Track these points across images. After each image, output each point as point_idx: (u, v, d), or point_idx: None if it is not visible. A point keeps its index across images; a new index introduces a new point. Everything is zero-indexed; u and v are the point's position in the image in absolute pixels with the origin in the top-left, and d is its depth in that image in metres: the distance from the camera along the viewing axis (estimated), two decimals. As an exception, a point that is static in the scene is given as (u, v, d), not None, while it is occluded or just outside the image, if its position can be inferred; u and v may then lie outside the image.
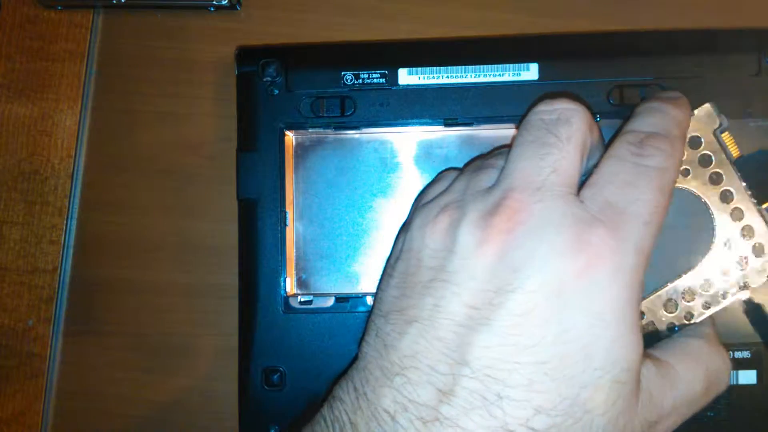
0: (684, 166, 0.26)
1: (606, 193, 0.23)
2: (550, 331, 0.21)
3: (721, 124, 0.26)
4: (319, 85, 0.34)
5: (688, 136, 0.26)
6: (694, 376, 0.24)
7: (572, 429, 0.21)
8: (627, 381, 0.21)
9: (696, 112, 0.27)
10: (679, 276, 0.26)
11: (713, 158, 0.26)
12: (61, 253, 0.39)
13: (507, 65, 0.33)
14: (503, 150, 0.27)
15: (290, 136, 0.35)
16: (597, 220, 0.22)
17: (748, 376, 0.31)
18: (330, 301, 0.34)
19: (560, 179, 0.23)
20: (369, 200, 0.35)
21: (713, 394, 0.24)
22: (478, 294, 0.22)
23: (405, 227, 0.27)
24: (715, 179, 0.26)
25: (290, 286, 0.34)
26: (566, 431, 0.21)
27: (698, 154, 0.26)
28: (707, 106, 0.27)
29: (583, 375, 0.21)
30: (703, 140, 0.26)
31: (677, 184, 0.26)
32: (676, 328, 0.26)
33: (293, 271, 0.35)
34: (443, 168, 0.35)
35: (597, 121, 0.27)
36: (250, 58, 0.35)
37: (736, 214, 0.26)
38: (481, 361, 0.21)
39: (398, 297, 0.24)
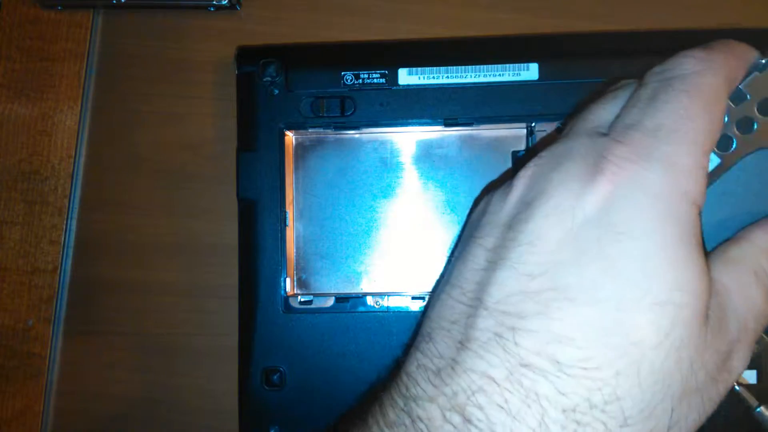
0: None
1: (627, 119, 0.21)
2: (565, 254, 0.19)
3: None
4: (319, 85, 0.34)
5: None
6: (746, 283, 0.21)
7: (614, 364, 0.18)
8: (684, 304, 0.19)
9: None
10: None
11: None
12: (61, 253, 0.39)
13: (507, 65, 0.33)
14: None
15: (290, 136, 0.35)
16: (615, 142, 0.20)
17: (748, 376, 0.31)
18: (330, 301, 0.34)
19: (587, 124, 0.22)
20: (369, 200, 0.35)
21: None
22: (498, 237, 0.21)
23: None
24: None
25: (290, 286, 0.34)
26: (605, 366, 0.18)
27: None
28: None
29: (616, 297, 0.18)
30: None
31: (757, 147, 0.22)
32: None
33: (293, 271, 0.35)
34: (443, 168, 0.35)
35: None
36: (250, 58, 0.35)
37: None
38: (495, 297, 0.20)
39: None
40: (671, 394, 0.19)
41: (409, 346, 0.23)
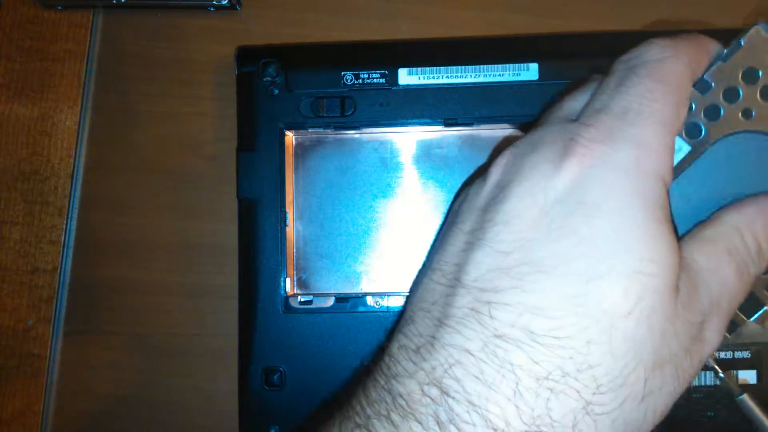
0: (744, 107, 0.23)
1: (596, 104, 0.22)
2: (538, 231, 0.20)
3: None
4: (319, 85, 0.34)
5: (741, 68, 0.23)
6: (719, 261, 0.21)
7: (585, 333, 0.19)
8: (653, 273, 0.19)
9: (744, 39, 0.23)
10: None
11: None
12: (61, 253, 0.39)
13: (507, 65, 0.33)
14: None
15: (290, 136, 0.35)
16: (585, 125, 0.21)
17: (748, 376, 0.31)
18: (330, 301, 0.34)
19: (560, 112, 0.23)
20: (369, 200, 0.35)
21: (746, 273, 0.22)
22: (476, 220, 0.22)
23: None
24: None
25: (290, 286, 0.34)
26: (577, 335, 0.19)
27: (758, 89, 0.23)
28: (757, 27, 0.23)
29: (587, 269, 0.19)
30: (761, 71, 0.23)
31: (741, 128, 0.23)
32: None
33: (293, 271, 0.35)
34: (443, 168, 0.35)
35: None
36: (250, 58, 0.35)
37: None
38: (472, 276, 0.21)
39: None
40: (644, 362, 0.19)
41: (392, 332, 0.23)
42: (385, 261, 0.35)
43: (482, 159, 0.35)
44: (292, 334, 0.33)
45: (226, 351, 0.37)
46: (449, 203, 0.35)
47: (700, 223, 0.23)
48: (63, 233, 0.39)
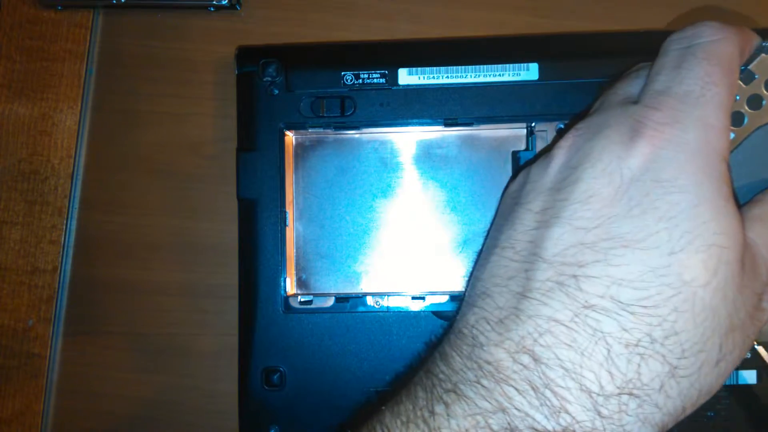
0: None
1: (656, 86, 0.23)
2: (618, 208, 0.21)
3: None
4: (319, 85, 0.34)
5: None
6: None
7: (671, 302, 0.20)
8: (727, 245, 0.21)
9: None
10: None
11: None
12: (61, 253, 0.39)
13: (507, 65, 0.33)
14: None
15: (290, 136, 0.35)
16: (650, 108, 0.22)
17: (748, 376, 0.31)
18: (330, 301, 0.34)
19: (617, 97, 0.24)
20: (369, 200, 0.35)
21: None
22: (546, 200, 0.23)
23: None
24: None
25: (290, 286, 0.34)
26: (663, 304, 0.20)
27: None
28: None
29: (669, 242, 0.20)
30: None
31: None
32: None
33: (293, 271, 0.35)
34: (443, 168, 0.35)
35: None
36: (250, 58, 0.35)
37: None
38: (553, 251, 0.22)
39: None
40: (720, 329, 0.21)
41: (458, 311, 0.25)
42: (385, 261, 0.35)
43: (482, 159, 0.35)
44: (292, 334, 0.33)
45: (226, 351, 0.37)
46: (448, 203, 0.35)
47: (746, 204, 0.24)
48: (63, 233, 0.39)
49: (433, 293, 0.34)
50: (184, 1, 0.39)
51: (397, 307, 0.33)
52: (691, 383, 0.21)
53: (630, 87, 0.25)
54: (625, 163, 0.22)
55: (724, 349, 0.21)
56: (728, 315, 0.21)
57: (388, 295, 0.34)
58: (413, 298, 0.33)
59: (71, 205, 0.39)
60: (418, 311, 0.33)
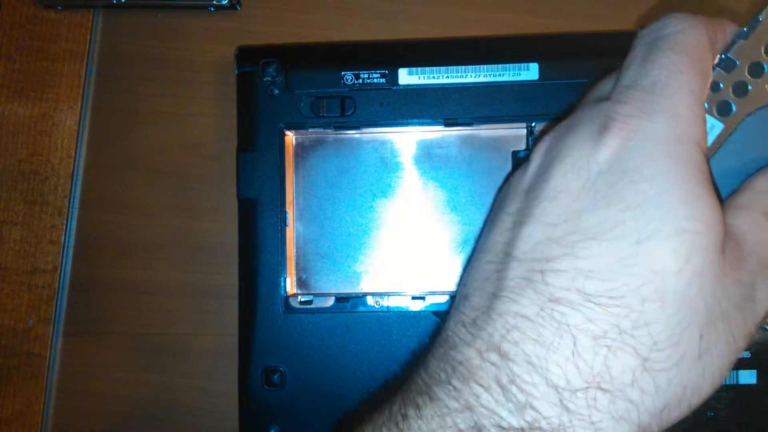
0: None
1: (624, 81, 0.23)
2: (585, 202, 0.21)
3: None
4: (319, 85, 0.34)
5: (763, 43, 0.24)
6: (758, 225, 0.22)
7: (639, 292, 0.20)
8: (699, 231, 0.20)
9: (762, 15, 0.24)
10: None
11: None
12: (61, 253, 0.39)
13: (507, 65, 0.33)
14: None
15: (290, 136, 0.35)
16: (618, 102, 0.22)
17: (748, 376, 0.31)
18: (330, 301, 0.34)
19: (591, 97, 0.25)
20: (369, 200, 0.35)
21: None
22: (521, 201, 0.23)
23: None
24: None
25: (290, 286, 0.34)
26: (631, 294, 0.20)
27: None
28: None
29: (635, 231, 0.20)
30: None
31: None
32: None
33: (293, 271, 0.35)
34: (443, 168, 0.35)
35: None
36: (250, 58, 0.35)
37: None
38: (524, 248, 0.22)
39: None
40: (697, 320, 0.20)
41: (446, 315, 0.25)
42: (385, 261, 0.35)
43: (482, 159, 0.35)
44: (292, 334, 0.33)
45: (226, 351, 0.37)
46: (448, 203, 0.35)
47: (733, 193, 0.24)
48: (63, 233, 0.39)
49: (433, 293, 0.34)
50: (184, 1, 0.39)
51: (397, 307, 0.33)
52: (669, 378, 0.20)
53: (604, 86, 0.25)
54: (594, 158, 0.22)
55: (706, 342, 0.20)
56: (707, 305, 0.20)
57: (388, 295, 0.34)
58: (413, 298, 0.33)
59: (71, 205, 0.39)
60: (418, 311, 0.33)
